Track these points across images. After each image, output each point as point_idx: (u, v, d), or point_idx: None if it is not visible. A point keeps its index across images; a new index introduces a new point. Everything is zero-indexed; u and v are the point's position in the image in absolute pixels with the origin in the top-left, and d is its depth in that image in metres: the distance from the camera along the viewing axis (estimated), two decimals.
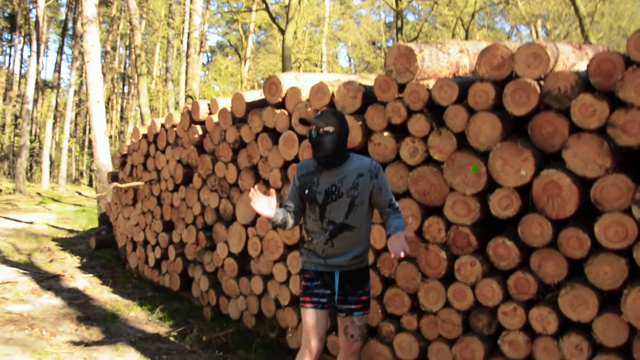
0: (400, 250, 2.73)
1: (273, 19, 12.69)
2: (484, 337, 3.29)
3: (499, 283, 3.21)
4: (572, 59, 3.40)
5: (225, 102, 5.84)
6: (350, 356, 3.14)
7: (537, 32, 20.84)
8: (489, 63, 3.27)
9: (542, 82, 3.10)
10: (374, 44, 29.45)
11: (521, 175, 3.06)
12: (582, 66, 3.33)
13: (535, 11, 21.65)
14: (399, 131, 3.76)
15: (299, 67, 21.16)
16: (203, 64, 32.89)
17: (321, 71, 21.14)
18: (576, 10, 12.05)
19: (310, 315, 3.03)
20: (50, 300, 5.96)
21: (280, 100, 4.71)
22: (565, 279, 3.03)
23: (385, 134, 3.74)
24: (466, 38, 18.12)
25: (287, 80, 4.73)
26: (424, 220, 3.57)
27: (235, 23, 27.18)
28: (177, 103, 22.40)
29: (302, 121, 3.03)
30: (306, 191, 3.01)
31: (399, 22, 15.88)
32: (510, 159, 3.11)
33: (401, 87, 3.68)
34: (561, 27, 21.90)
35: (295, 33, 17.08)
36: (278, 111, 4.71)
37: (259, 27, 29.69)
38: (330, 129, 2.92)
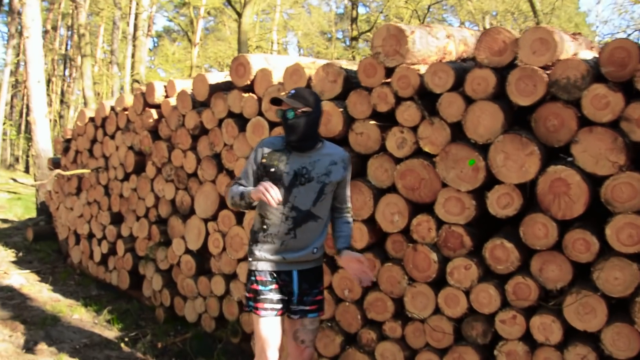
0: (368, 281, 2.82)
1: (230, 2, 12.11)
2: (479, 347, 3.02)
3: (496, 288, 2.94)
4: (572, 48, 3.16)
5: (184, 84, 5.35)
6: None
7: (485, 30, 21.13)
8: (489, 48, 2.98)
9: (548, 71, 2.83)
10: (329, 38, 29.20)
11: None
12: (584, 55, 3.10)
13: (485, 8, 21.90)
14: (384, 120, 3.43)
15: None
16: (149, 49, 31.67)
17: None
18: (532, 6, 12.11)
19: (264, 325, 2.72)
20: None
21: (248, 82, 4.29)
22: (568, 284, 2.79)
23: (371, 122, 3.39)
24: None
25: (257, 62, 4.31)
26: (411, 218, 3.26)
27: (184, 7, 26.28)
28: (122, 87, 21.38)
29: (275, 101, 2.72)
30: (272, 169, 2.69)
31: (354, 12, 15.60)
32: (513, 153, 2.83)
33: (389, 72, 3.34)
34: (510, 25, 22.26)
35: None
36: (246, 95, 4.29)
37: (208, 13, 28.79)
38: (307, 109, 2.67)
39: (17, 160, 27.11)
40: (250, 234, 2.88)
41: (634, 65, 2.61)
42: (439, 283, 3.16)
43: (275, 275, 2.75)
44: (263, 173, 2.73)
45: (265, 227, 2.75)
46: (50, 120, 22.48)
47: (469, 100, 3.02)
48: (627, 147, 2.60)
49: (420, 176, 3.20)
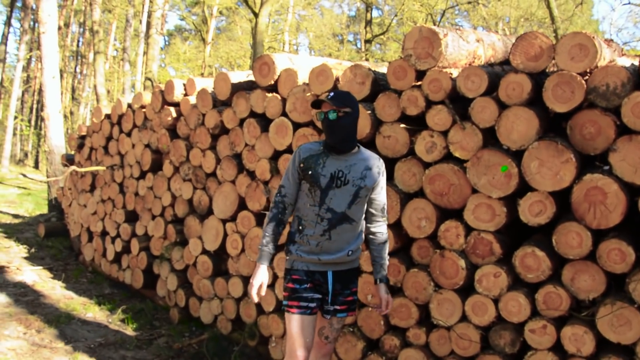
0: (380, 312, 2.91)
1: (246, 1, 12.08)
2: (506, 356, 2.96)
3: (526, 297, 2.88)
4: (608, 55, 3.11)
5: (204, 83, 5.32)
6: (321, 357, 2.89)
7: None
8: (525, 53, 2.93)
9: (587, 77, 2.78)
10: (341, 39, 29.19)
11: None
12: (621, 62, 3.04)
13: (499, 13, 21.81)
14: (412, 123, 3.38)
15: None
16: (161, 47, 31.74)
17: None
18: (551, 13, 12.03)
19: (296, 322, 2.71)
20: None
21: (272, 82, 4.25)
22: (601, 295, 2.73)
23: (398, 125, 3.34)
24: None
25: (282, 61, 4.27)
26: (439, 223, 3.20)
27: (196, 6, 26.28)
28: (133, 85, 21.41)
29: (315, 104, 2.72)
30: (309, 172, 2.69)
31: (368, 15, 15.54)
32: (548, 160, 2.78)
33: (419, 75, 3.30)
34: (521, 30, 22.15)
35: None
36: (269, 95, 4.25)
37: (220, 13, 28.85)
38: (348, 110, 2.68)
39: (26, 155, 27.18)
40: (287, 235, 2.86)
41: None
42: (466, 290, 3.11)
43: (310, 274, 2.74)
44: (302, 177, 2.73)
45: (301, 227, 2.74)
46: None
47: (502, 106, 2.97)
48: None
49: (449, 181, 3.15)
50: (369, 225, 2.85)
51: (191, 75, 6.51)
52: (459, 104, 3.16)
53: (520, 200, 2.91)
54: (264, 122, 4.32)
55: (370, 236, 2.87)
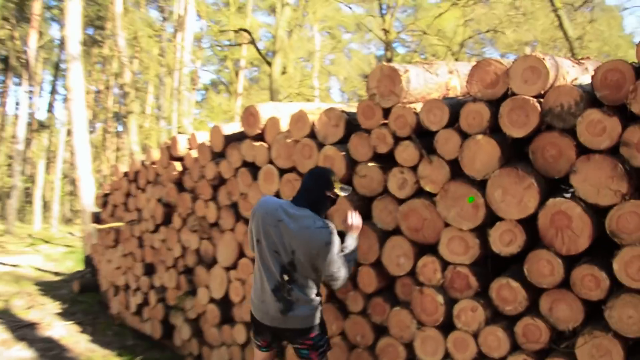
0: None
1: (260, 53, 12.52)
2: None
3: (504, 330, 2.79)
4: (572, 74, 3.06)
5: (204, 137, 5.49)
6: None
7: None
8: (482, 80, 2.92)
9: (542, 99, 2.74)
10: (366, 77, 29.49)
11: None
12: (584, 80, 2.99)
13: (524, 38, 21.59)
14: (387, 161, 3.39)
15: (290, 102, 21.04)
16: (197, 101, 32.86)
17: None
18: (565, 33, 11.85)
19: None
20: (21, 353, 5.49)
21: (259, 131, 4.36)
22: (581, 324, 2.62)
23: (370, 164, 3.36)
24: None
25: (266, 110, 4.38)
26: (417, 260, 3.17)
27: (226, 60, 27.15)
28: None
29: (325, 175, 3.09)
30: None
31: (388, 54, 15.74)
32: (510, 187, 2.73)
33: (386, 112, 3.32)
34: (551, 52, 21.83)
35: (285, 68, 16.92)
36: (257, 144, 4.36)
37: (251, 64, 29.77)
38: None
39: (75, 214, 28.34)
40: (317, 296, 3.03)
41: (630, 86, 2.49)
42: (447, 326, 3.04)
43: None
44: None
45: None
46: (105, 176, 23.51)
47: (465, 136, 2.95)
48: (628, 174, 2.46)
49: (422, 216, 3.13)
50: None
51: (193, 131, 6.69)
52: (425, 138, 3.16)
53: (490, 231, 2.85)
54: (255, 170, 4.41)
55: None
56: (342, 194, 3.03)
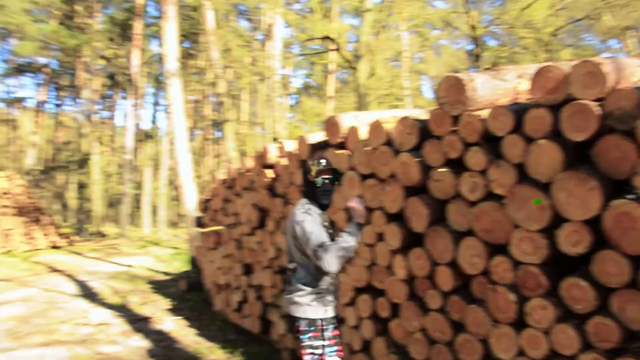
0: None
1: (345, 59, 12.83)
2: None
3: (575, 329, 2.89)
4: (638, 74, 3.07)
5: (292, 145, 5.89)
6: None
7: (627, 45, 19.51)
8: (543, 86, 3.03)
9: (603, 103, 2.81)
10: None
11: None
12: None
13: (623, 23, 20.21)
14: (459, 166, 3.57)
15: (380, 103, 21.16)
16: (290, 105, 33.82)
17: (404, 106, 20.95)
18: None
19: None
20: (138, 342, 6.21)
21: (341, 140, 4.67)
22: None
23: (441, 169, 3.56)
24: (549, 59, 17.35)
25: (347, 120, 4.69)
26: (489, 259, 3.33)
27: (316, 64, 27.70)
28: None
29: (320, 172, 3.25)
30: (328, 230, 3.20)
31: (478, 49, 15.45)
32: (574, 189, 2.82)
33: (455, 120, 3.51)
34: None
35: (373, 69, 17.17)
36: (339, 151, 4.67)
37: (341, 67, 30.20)
38: (330, 175, 3.25)
39: (180, 218, 30.31)
40: (311, 293, 3.19)
41: None
42: (521, 324, 3.17)
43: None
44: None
45: (321, 280, 3.21)
46: (205, 182, 24.97)
47: (529, 140, 3.08)
48: None
49: (493, 218, 3.28)
50: None
51: (281, 140, 7.12)
52: (493, 142, 3.31)
53: (557, 232, 2.96)
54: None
55: None
56: (318, 168, 3.20)
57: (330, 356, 3.14)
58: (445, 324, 3.62)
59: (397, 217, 4.05)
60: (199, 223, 8.94)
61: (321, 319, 3.16)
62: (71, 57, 25.04)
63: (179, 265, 12.52)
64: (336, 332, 3.21)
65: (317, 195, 3.19)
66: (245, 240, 6.78)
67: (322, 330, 3.15)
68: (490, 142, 3.33)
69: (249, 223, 6.61)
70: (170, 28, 10.16)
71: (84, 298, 8.71)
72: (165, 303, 8.48)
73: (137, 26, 21.72)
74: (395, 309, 4.10)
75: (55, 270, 11.61)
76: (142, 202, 23.83)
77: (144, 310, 7.88)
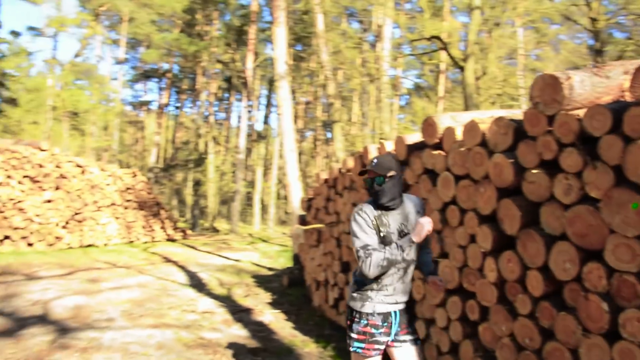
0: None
1: (453, 59, 12.57)
2: None
3: None
4: None
5: (391, 146, 5.96)
6: None
7: None
8: None
9: None
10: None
11: None
12: None
13: None
14: (553, 167, 3.45)
15: (493, 103, 20.41)
16: (401, 106, 33.69)
17: (519, 106, 20.04)
18: None
19: None
20: (238, 331, 6.59)
21: (437, 141, 4.67)
22: None
23: (535, 171, 3.46)
24: None
25: (444, 121, 4.68)
26: (582, 265, 3.18)
27: (426, 64, 27.32)
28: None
29: (363, 172, 3.12)
30: (382, 233, 3.02)
31: (598, 44, 14.39)
32: None
33: (550, 120, 3.40)
34: None
35: (485, 69, 16.65)
36: (435, 152, 4.67)
37: (452, 66, 29.54)
38: (392, 173, 3.03)
39: (288, 216, 31.38)
40: (356, 283, 3.14)
41: None
42: (613, 335, 3.01)
43: (386, 318, 3.06)
44: (377, 235, 3.01)
45: (379, 277, 3.03)
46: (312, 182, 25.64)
47: (629, 140, 2.92)
48: None
49: (588, 222, 3.14)
50: (421, 253, 3.24)
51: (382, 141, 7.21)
52: (591, 144, 3.17)
53: None
54: (435, 177, 4.72)
55: (423, 258, 3.30)
56: (368, 168, 3.06)
57: (353, 349, 3.10)
58: (534, 330, 3.51)
59: (490, 219, 3.99)
60: (302, 221, 9.27)
61: (357, 311, 3.10)
62: (191, 62, 26.96)
63: (284, 262, 13.01)
64: (367, 329, 3.04)
65: (370, 195, 3.12)
66: (344, 238, 6.94)
67: (352, 322, 3.11)
68: (587, 143, 3.19)
69: (348, 222, 6.76)
70: (280, 33, 10.62)
71: (192, 287, 9.37)
72: (266, 297, 8.89)
73: (252, 31, 22.87)
74: (484, 312, 4.04)
75: (169, 261, 12.60)
76: (253, 200, 25.00)
77: (246, 302, 8.32)
